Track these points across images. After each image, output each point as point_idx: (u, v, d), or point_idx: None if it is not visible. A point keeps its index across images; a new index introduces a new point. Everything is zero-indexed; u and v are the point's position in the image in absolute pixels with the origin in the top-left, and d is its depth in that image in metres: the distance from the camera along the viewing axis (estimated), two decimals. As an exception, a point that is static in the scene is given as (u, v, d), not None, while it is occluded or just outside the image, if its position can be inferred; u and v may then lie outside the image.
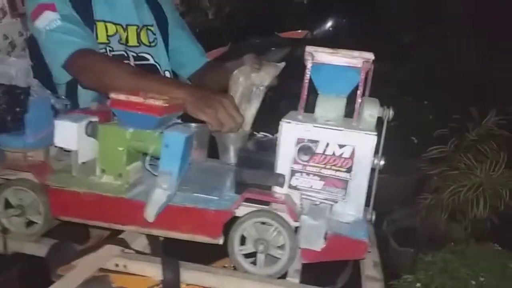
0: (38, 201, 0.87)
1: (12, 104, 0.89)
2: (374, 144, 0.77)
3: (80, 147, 0.84)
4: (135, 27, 1.33)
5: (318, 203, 0.80)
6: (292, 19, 1.96)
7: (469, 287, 1.37)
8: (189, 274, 0.78)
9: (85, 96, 1.26)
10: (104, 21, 1.26)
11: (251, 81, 1.07)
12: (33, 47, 1.26)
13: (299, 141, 0.79)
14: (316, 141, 0.78)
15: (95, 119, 0.87)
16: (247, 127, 1.06)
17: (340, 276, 0.82)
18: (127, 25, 1.31)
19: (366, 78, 0.80)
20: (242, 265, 0.81)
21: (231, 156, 1.06)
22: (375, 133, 0.77)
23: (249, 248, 0.82)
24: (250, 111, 1.06)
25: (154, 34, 1.38)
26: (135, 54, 1.33)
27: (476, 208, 1.70)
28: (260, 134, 0.98)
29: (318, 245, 0.76)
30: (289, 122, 0.79)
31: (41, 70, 1.25)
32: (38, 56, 1.22)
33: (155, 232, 0.83)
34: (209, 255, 0.90)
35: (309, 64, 0.80)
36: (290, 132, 0.79)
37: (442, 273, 1.41)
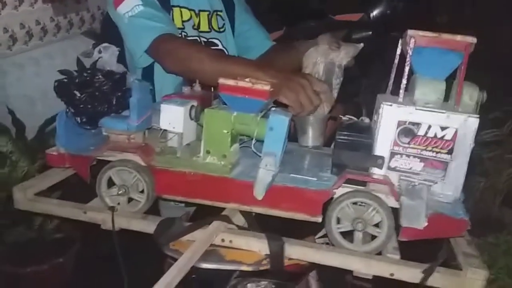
0: (142, 181, 0.92)
1: (112, 89, 0.93)
2: (476, 126, 0.79)
3: (184, 129, 0.88)
4: (206, 13, 1.36)
5: (416, 183, 0.83)
6: (347, 2, 1.96)
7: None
8: (293, 249, 0.82)
9: (161, 81, 1.31)
10: (180, 7, 1.30)
11: (330, 60, 1.08)
12: (109, 32, 1.31)
13: (400, 123, 0.82)
14: (418, 124, 0.81)
15: (195, 103, 0.91)
16: (328, 108, 1.08)
17: (439, 252, 0.84)
18: (199, 11, 1.34)
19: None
20: (340, 242, 0.85)
21: (310, 139, 1.09)
22: (478, 116, 0.79)
23: (346, 226, 0.85)
24: (332, 92, 1.08)
25: (223, 20, 1.41)
26: (205, 40, 1.36)
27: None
28: (345, 118, 1.01)
29: (421, 223, 0.79)
30: (390, 105, 0.82)
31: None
32: (114, 41, 1.27)
33: (256, 209, 0.87)
34: (295, 233, 0.94)
35: (410, 47, 0.82)
36: (391, 114, 0.82)
37: (506, 255, 1.44)
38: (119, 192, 0.93)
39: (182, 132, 0.88)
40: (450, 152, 0.80)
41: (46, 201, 0.96)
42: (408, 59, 0.82)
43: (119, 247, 0.90)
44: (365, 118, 1.00)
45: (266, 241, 0.83)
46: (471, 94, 0.82)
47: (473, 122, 0.79)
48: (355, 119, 1.00)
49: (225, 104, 0.88)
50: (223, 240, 0.85)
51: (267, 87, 0.81)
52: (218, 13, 1.40)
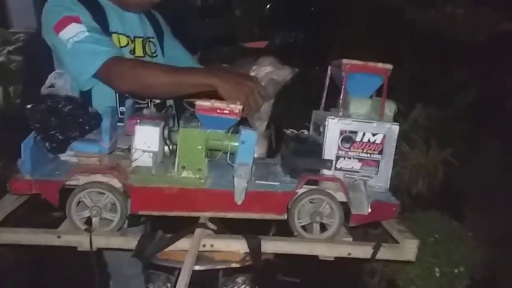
0: (115, 200, 0.96)
1: (79, 114, 0.96)
2: (397, 131, 1.03)
3: (159, 148, 0.96)
4: (141, 39, 1.43)
5: (356, 179, 1.04)
6: (254, 30, 2.17)
7: (427, 244, 1.74)
8: (268, 244, 0.96)
9: (99, 104, 1.33)
10: (118, 33, 1.34)
11: (273, 78, 1.25)
12: (38, 53, 1.29)
13: (342, 132, 1.02)
14: (355, 132, 1.02)
15: (162, 123, 0.99)
16: (265, 123, 1.24)
17: (376, 232, 1.05)
18: (134, 37, 1.40)
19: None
20: (302, 234, 1.01)
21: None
22: (398, 124, 1.03)
23: (306, 220, 1.02)
24: (269, 103, 1.24)
25: (155, 46, 1.49)
26: (140, 64, 1.42)
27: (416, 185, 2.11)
28: (288, 131, 1.18)
29: (365, 210, 0.99)
30: (334, 118, 1.02)
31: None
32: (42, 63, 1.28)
33: (230, 215, 0.99)
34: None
35: (345, 72, 1.03)
36: (335, 126, 1.02)
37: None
38: (93, 213, 0.95)
39: (157, 151, 0.96)
40: (380, 152, 1.03)
41: (13, 230, 0.93)
42: (344, 81, 1.03)
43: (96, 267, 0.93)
44: (304, 131, 1.19)
45: (243, 241, 0.95)
46: (390, 107, 1.06)
47: (396, 128, 1.03)
48: (296, 131, 1.18)
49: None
50: (204, 246, 0.94)
51: (240, 107, 0.94)
52: (150, 39, 1.47)
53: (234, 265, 0.93)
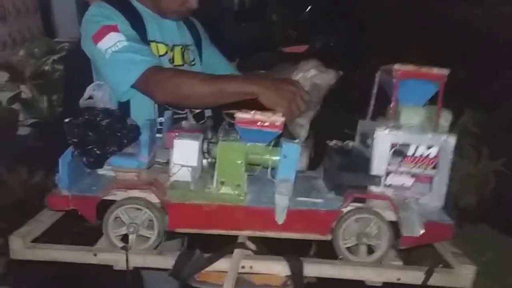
0: (153, 217, 0.93)
1: (117, 128, 0.93)
2: (454, 143, 0.94)
3: (198, 163, 0.92)
4: (180, 47, 1.40)
5: (408, 197, 0.95)
6: (293, 35, 2.11)
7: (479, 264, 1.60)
8: (310, 267, 0.89)
9: (137, 115, 1.31)
10: (156, 42, 1.33)
11: (316, 82, 1.18)
12: (82, 69, 1.29)
13: (393, 145, 0.94)
14: (407, 145, 0.94)
15: (201, 136, 0.95)
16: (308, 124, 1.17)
17: (430, 255, 0.97)
18: (173, 45, 1.38)
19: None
20: (347, 256, 0.94)
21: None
22: (455, 135, 0.94)
23: (352, 240, 0.95)
24: (314, 109, 1.17)
25: (193, 53, 1.46)
26: (180, 73, 1.39)
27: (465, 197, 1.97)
28: (332, 142, 1.11)
29: (417, 232, 0.91)
30: (384, 129, 0.94)
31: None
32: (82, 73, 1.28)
33: (270, 234, 0.93)
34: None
35: (397, 79, 0.95)
36: (385, 138, 0.94)
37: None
38: (130, 230, 0.93)
39: (196, 165, 0.92)
40: (434, 167, 0.94)
41: (49, 247, 0.92)
42: (395, 89, 0.95)
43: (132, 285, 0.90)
44: (349, 142, 1.12)
45: (283, 263, 0.89)
46: (445, 117, 0.97)
47: (452, 140, 0.93)
48: (341, 143, 1.11)
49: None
50: (243, 267, 0.89)
51: (281, 119, 0.88)
52: (189, 47, 1.45)
53: (277, 290, 0.88)
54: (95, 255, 0.90)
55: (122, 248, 0.91)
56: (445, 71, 0.95)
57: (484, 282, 1.60)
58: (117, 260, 0.90)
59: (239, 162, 0.91)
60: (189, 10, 1.37)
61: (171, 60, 1.36)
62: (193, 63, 1.45)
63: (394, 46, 2.33)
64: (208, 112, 1.44)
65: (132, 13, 1.29)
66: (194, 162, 0.91)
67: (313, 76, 1.20)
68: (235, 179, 0.92)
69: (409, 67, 0.95)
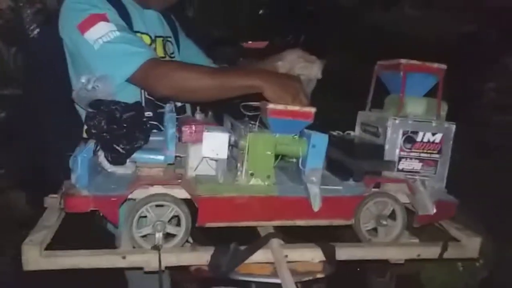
0: (180, 213, 0.89)
1: (139, 122, 0.88)
2: (454, 130, 1.04)
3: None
4: (161, 39, 1.34)
5: (416, 179, 1.03)
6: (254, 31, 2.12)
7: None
8: (342, 251, 0.93)
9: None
10: (140, 32, 1.25)
11: (306, 76, 1.21)
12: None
13: (404, 132, 1.01)
14: (416, 132, 1.01)
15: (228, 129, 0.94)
16: None
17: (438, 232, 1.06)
18: (155, 37, 1.32)
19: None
20: (367, 237, 0.99)
21: None
22: (454, 123, 1.04)
23: (371, 224, 1.00)
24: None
25: (172, 45, 1.41)
26: (162, 65, 1.33)
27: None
28: (335, 132, 1.16)
29: (431, 210, 0.99)
30: (395, 119, 1.01)
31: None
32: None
33: (299, 222, 0.94)
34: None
35: (404, 72, 1.02)
36: (397, 126, 1.01)
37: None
38: (157, 229, 0.88)
39: (225, 158, 0.90)
40: (439, 152, 1.03)
41: (69, 254, 0.83)
42: (403, 81, 1.02)
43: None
44: (350, 132, 1.17)
45: (317, 249, 0.91)
46: (443, 107, 1.07)
47: (452, 127, 1.03)
48: (341, 133, 1.17)
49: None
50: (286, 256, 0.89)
51: (314, 109, 0.90)
52: (168, 39, 1.39)
53: (319, 275, 0.89)
54: (123, 257, 0.84)
55: (153, 248, 0.85)
56: (443, 66, 1.04)
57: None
58: (148, 261, 0.85)
59: (269, 153, 0.91)
60: (170, 1, 1.33)
61: (154, 52, 1.30)
62: (173, 55, 1.40)
63: (349, 43, 2.47)
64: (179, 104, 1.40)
65: (117, 3, 1.20)
66: (224, 154, 0.89)
67: (301, 67, 1.23)
68: (265, 170, 0.92)
69: (414, 62, 1.02)
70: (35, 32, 2.32)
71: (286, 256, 0.87)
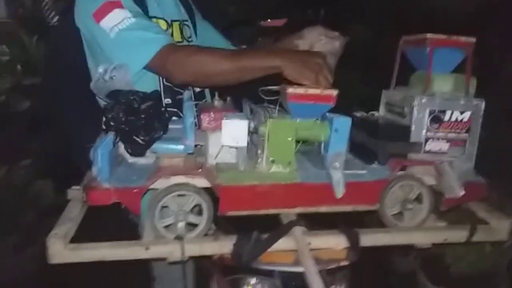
0: (202, 203, 0.88)
1: (158, 113, 0.87)
2: (483, 108, 0.99)
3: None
4: (178, 23, 1.31)
5: (442, 161, 0.99)
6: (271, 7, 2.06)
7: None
8: (366, 237, 0.91)
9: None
10: (157, 18, 1.23)
11: (329, 46, 1.16)
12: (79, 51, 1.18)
13: (431, 112, 0.97)
14: (444, 111, 0.97)
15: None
16: None
17: (467, 215, 1.03)
18: (171, 21, 1.29)
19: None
20: (393, 222, 0.97)
21: None
22: (483, 100, 0.99)
23: (396, 208, 0.98)
24: None
25: (189, 29, 1.38)
26: (179, 49, 1.31)
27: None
28: (358, 113, 1.12)
29: (458, 192, 0.95)
30: (422, 98, 0.96)
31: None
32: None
33: (322, 209, 0.93)
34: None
35: (430, 48, 0.97)
36: (424, 105, 0.96)
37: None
38: (179, 218, 0.88)
39: (245, 146, 0.88)
40: (467, 131, 0.99)
41: (94, 246, 0.84)
42: (429, 57, 0.97)
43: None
44: (374, 112, 1.13)
45: (340, 235, 0.90)
46: (471, 84, 1.01)
47: (482, 105, 0.98)
48: (365, 113, 1.13)
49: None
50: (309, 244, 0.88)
51: (336, 91, 0.87)
52: (185, 22, 1.37)
53: (343, 263, 0.88)
54: (147, 248, 0.84)
55: (176, 238, 0.86)
56: (472, 39, 0.99)
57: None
58: (171, 252, 0.85)
59: (289, 139, 0.89)
60: None
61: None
62: (190, 39, 1.38)
63: (373, 18, 2.37)
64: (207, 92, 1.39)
65: None
66: (244, 142, 0.87)
67: (323, 45, 1.19)
68: (286, 157, 0.90)
69: (440, 36, 0.97)
70: (55, 20, 2.33)
71: (309, 243, 0.85)
